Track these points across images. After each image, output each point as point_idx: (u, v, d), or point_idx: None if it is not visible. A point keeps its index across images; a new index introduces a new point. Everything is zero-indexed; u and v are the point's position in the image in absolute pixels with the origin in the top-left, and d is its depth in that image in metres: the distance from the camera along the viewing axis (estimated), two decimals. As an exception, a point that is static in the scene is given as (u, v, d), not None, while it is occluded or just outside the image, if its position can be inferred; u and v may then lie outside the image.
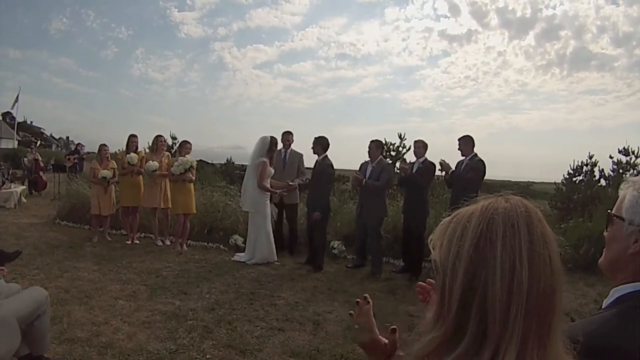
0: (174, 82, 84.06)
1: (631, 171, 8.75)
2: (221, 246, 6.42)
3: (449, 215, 0.64)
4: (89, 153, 12.99)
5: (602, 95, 75.71)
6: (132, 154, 6.41)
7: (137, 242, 6.52)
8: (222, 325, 3.59)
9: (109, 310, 3.76)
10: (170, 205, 6.39)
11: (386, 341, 0.87)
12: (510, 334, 0.54)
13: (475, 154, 5.25)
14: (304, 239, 6.21)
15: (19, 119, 31.23)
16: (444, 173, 5.43)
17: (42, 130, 48.45)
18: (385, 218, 5.76)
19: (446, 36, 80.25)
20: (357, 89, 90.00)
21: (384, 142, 7.80)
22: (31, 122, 46.83)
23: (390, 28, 78.52)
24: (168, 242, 6.50)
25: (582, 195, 8.53)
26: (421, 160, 5.51)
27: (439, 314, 0.59)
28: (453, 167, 5.34)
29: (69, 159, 12.34)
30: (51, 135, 51.44)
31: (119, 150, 8.30)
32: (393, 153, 10.93)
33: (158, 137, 6.73)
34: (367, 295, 0.91)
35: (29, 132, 39.69)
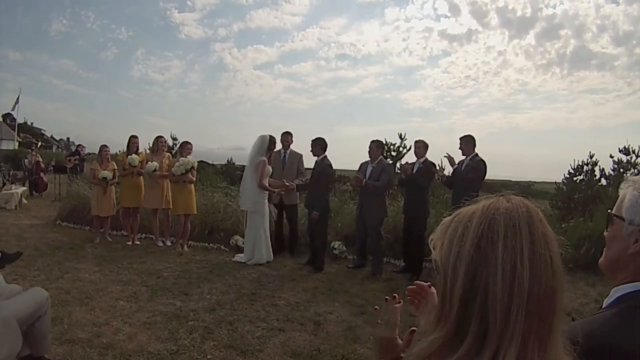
0: (174, 83, 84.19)
1: (632, 170, 8.74)
2: (222, 247, 6.42)
3: (450, 215, 0.64)
4: (89, 154, 13.00)
5: (603, 94, 75.71)
6: (134, 156, 6.42)
7: (138, 243, 6.53)
8: (223, 326, 3.59)
9: (109, 311, 3.77)
10: (171, 206, 6.40)
11: (400, 341, 0.87)
12: (511, 335, 0.54)
13: (476, 154, 5.25)
14: (305, 239, 6.22)
15: (20, 120, 31.29)
16: (443, 173, 5.42)
17: (42, 131, 48.55)
18: (386, 218, 5.76)
19: (446, 36, 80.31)
20: (357, 89, 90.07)
21: (384, 142, 7.81)
22: (32, 124, 46.96)
23: (391, 28, 78.60)
24: (169, 243, 6.50)
25: (583, 194, 8.52)
26: (421, 160, 5.51)
27: (440, 314, 0.59)
28: (456, 164, 5.34)
29: (69, 160, 12.37)
30: (52, 137, 51.51)
31: (119, 151, 8.31)
32: (393, 153, 10.92)
33: (158, 138, 6.73)
34: (396, 294, 0.91)
35: (30, 134, 39.76)
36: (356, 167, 5.92)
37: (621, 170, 8.83)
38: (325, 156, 5.72)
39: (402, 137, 11.05)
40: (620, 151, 9.09)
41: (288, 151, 6.26)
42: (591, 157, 9.11)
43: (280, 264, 5.71)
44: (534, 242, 0.56)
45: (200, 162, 9.75)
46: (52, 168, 14.00)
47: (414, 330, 0.86)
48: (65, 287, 4.32)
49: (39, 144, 26.44)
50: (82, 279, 4.62)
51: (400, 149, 10.97)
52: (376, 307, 0.92)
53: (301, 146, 6.14)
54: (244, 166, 7.82)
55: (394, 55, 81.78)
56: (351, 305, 4.26)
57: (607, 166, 9.08)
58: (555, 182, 9.49)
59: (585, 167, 9.08)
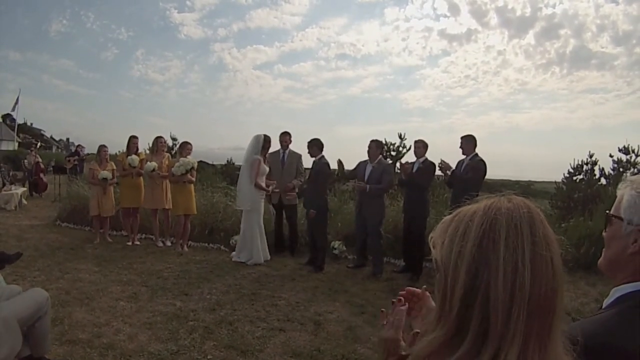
0: (174, 83, 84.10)
1: (631, 170, 8.75)
2: (222, 247, 6.42)
3: (450, 214, 0.64)
4: (89, 154, 13.00)
5: (602, 94, 75.64)
6: (134, 156, 6.41)
7: (138, 243, 6.53)
8: (223, 326, 3.59)
9: (110, 312, 3.77)
10: (170, 206, 6.40)
11: (404, 343, 0.87)
12: (512, 335, 0.54)
13: (476, 154, 5.24)
14: (305, 239, 6.22)
15: (20, 120, 31.28)
16: (447, 171, 5.42)
17: (42, 132, 48.55)
18: (386, 218, 5.76)
19: (446, 36, 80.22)
20: (357, 89, 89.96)
21: (384, 142, 7.82)
22: (31, 124, 46.97)
23: (390, 28, 78.51)
24: (169, 243, 6.50)
25: (583, 194, 8.53)
26: (421, 160, 5.51)
27: (440, 313, 0.59)
28: (453, 167, 5.34)
29: (69, 161, 12.38)
30: (51, 137, 51.51)
31: (119, 151, 8.31)
32: (393, 153, 10.92)
33: (158, 138, 6.73)
34: (401, 297, 0.92)
35: (30, 134, 39.70)
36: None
37: (621, 169, 8.84)
38: (323, 156, 5.73)
39: (402, 137, 11.07)
40: (619, 150, 9.10)
41: (287, 151, 6.25)
42: (591, 156, 9.12)
43: (280, 263, 5.71)
44: (535, 243, 0.56)
45: (200, 162, 9.75)
46: (51, 168, 14.00)
47: (418, 333, 0.86)
48: (65, 287, 4.32)
49: (39, 144, 26.39)
50: (82, 279, 4.63)
51: (400, 148, 10.98)
52: (382, 309, 0.92)
53: (301, 146, 6.15)
54: (243, 166, 7.79)
55: (394, 55, 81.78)
56: (351, 305, 4.26)
57: (607, 166, 9.10)
58: (555, 182, 9.50)
59: (585, 167, 9.09)
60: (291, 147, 6.30)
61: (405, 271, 5.48)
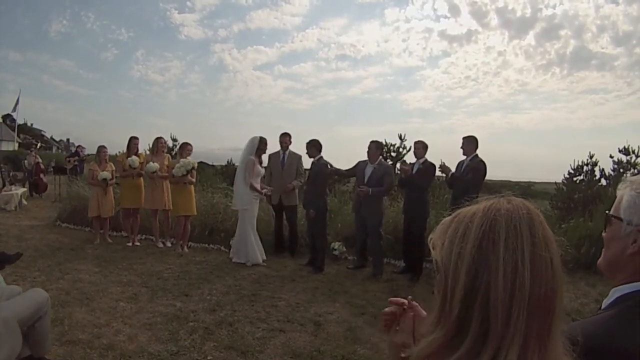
0: (174, 83, 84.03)
1: (632, 170, 8.76)
2: (222, 248, 6.42)
3: (450, 215, 0.64)
4: (89, 155, 13.01)
5: (603, 94, 75.55)
6: (134, 157, 6.41)
7: (138, 244, 6.53)
8: (223, 327, 3.59)
9: (110, 312, 3.77)
10: (171, 207, 6.40)
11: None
12: (512, 335, 0.54)
13: (476, 155, 5.24)
14: (305, 240, 6.22)
15: (20, 121, 31.32)
16: (445, 174, 5.42)
17: (42, 132, 48.59)
18: (386, 219, 5.76)
19: (446, 36, 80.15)
20: (357, 90, 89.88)
21: (384, 143, 7.81)
22: (32, 125, 46.99)
23: (390, 29, 78.48)
24: (169, 244, 6.50)
25: (583, 194, 8.54)
26: (421, 161, 5.51)
27: (440, 314, 0.60)
28: (453, 169, 5.34)
29: (69, 161, 12.39)
30: (52, 138, 51.56)
31: (119, 152, 8.31)
32: (393, 154, 10.93)
33: (158, 139, 6.73)
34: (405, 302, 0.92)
35: (30, 135, 39.75)
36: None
37: (621, 170, 8.86)
38: (321, 157, 5.74)
39: (402, 137, 11.07)
40: (620, 151, 9.12)
41: (287, 152, 6.26)
42: (591, 157, 9.13)
43: (280, 264, 5.71)
44: (534, 244, 0.56)
45: (200, 163, 9.76)
46: (52, 169, 14.01)
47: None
48: (65, 288, 4.32)
49: (39, 145, 26.45)
50: (82, 280, 4.63)
51: (400, 149, 10.98)
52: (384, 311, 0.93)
53: (301, 147, 6.15)
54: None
55: (394, 55, 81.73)
56: (351, 305, 4.26)
57: (607, 166, 9.12)
58: (555, 183, 9.51)
59: (585, 167, 9.10)
60: (291, 148, 6.30)
61: (405, 272, 5.48)
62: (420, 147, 5.55)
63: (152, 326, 3.53)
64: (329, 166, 5.78)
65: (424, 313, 0.78)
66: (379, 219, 5.50)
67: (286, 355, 3.18)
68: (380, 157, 5.67)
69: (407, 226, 5.58)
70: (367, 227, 5.47)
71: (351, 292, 4.67)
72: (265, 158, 6.24)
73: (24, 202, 10.02)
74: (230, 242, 6.39)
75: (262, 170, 5.96)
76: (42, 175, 12.14)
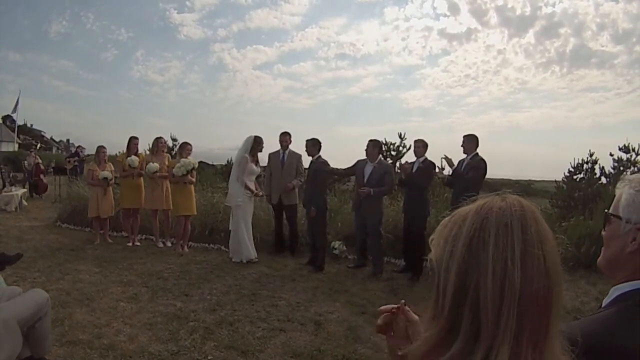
0: (174, 83, 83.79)
1: (632, 168, 8.75)
2: (222, 247, 6.41)
3: (449, 214, 0.64)
4: (89, 155, 13.00)
5: (603, 92, 75.31)
6: (133, 157, 6.41)
7: (138, 244, 6.53)
8: (224, 326, 3.59)
9: (110, 312, 3.77)
10: (171, 207, 6.40)
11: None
12: (503, 334, 0.53)
13: (477, 153, 5.24)
14: (305, 239, 6.22)
15: (20, 122, 31.34)
16: (444, 172, 5.41)
17: (42, 133, 48.55)
18: (386, 218, 5.75)
19: (446, 35, 79.75)
20: (357, 89, 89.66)
21: (384, 142, 7.80)
22: (31, 125, 47.01)
23: (390, 27, 78.13)
24: (169, 244, 6.50)
25: (583, 193, 8.54)
26: (421, 160, 5.50)
27: (434, 312, 0.60)
28: (455, 164, 5.34)
29: (69, 162, 12.39)
30: (51, 138, 51.55)
31: (119, 152, 8.31)
32: (393, 153, 10.91)
33: (158, 139, 6.73)
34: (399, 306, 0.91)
35: (30, 135, 39.71)
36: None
37: (621, 168, 8.85)
38: (320, 155, 5.76)
39: (402, 136, 11.06)
40: (620, 149, 9.11)
41: (287, 151, 6.25)
42: (591, 155, 9.13)
43: (280, 264, 5.71)
44: (526, 241, 0.56)
45: (200, 163, 9.76)
46: (52, 170, 14.01)
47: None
48: (65, 288, 4.32)
49: (39, 145, 26.41)
50: (82, 280, 4.63)
51: (400, 148, 10.97)
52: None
53: (301, 146, 6.15)
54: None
55: (394, 54, 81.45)
56: (352, 305, 4.26)
57: (607, 164, 9.12)
58: (556, 181, 9.51)
59: (585, 166, 9.10)
60: (291, 147, 6.29)
61: (405, 271, 5.47)
62: (420, 146, 5.55)
63: (153, 326, 3.53)
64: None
65: (416, 317, 0.78)
66: (379, 218, 5.49)
67: (286, 355, 3.18)
68: (380, 156, 5.66)
69: (407, 225, 5.57)
70: (367, 226, 5.47)
71: (351, 291, 4.67)
72: (265, 157, 6.25)
73: (24, 202, 10.02)
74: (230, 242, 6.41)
75: (257, 169, 5.99)
76: (42, 176, 12.13)
